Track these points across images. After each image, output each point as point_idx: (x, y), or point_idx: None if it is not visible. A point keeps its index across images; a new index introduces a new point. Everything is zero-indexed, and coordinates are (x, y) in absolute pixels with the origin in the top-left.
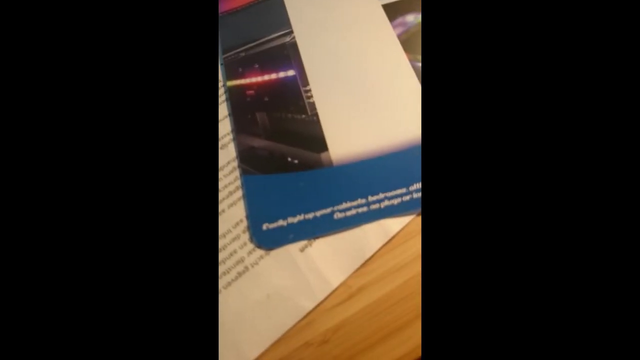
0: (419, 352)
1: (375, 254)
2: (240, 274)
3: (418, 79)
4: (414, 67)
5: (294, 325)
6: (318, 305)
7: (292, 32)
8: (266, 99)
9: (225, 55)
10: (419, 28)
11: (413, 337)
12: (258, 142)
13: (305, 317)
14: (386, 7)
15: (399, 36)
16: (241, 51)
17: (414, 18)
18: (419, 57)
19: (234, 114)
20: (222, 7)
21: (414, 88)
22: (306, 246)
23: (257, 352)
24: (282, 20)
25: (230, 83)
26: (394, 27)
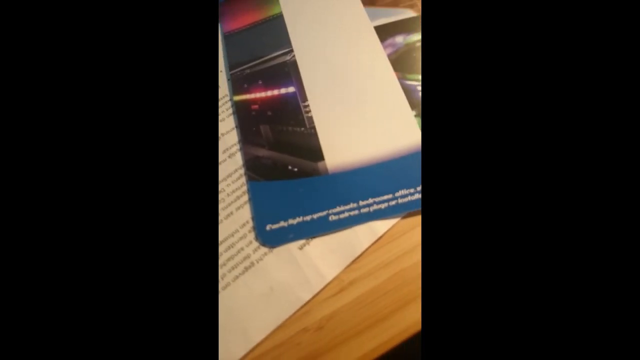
0: (402, 337)
1: (365, 251)
2: (246, 269)
3: (405, 95)
4: (402, 85)
5: (293, 314)
6: (314, 296)
7: (292, 51)
8: (269, 113)
9: (232, 72)
10: (407, 48)
11: (397, 324)
12: (262, 152)
13: (303, 306)
14: (377, 29)
15: (389, 56)
16: (246, 68)
17: (403, 39)
18: (407, 75)
19: (241, 126)
20: (229, 27)
21: (401, 104)
22: (304, 245)
23: (261, 337)
24: (284, 40)
25: (236, 98)
26: (385, 47)
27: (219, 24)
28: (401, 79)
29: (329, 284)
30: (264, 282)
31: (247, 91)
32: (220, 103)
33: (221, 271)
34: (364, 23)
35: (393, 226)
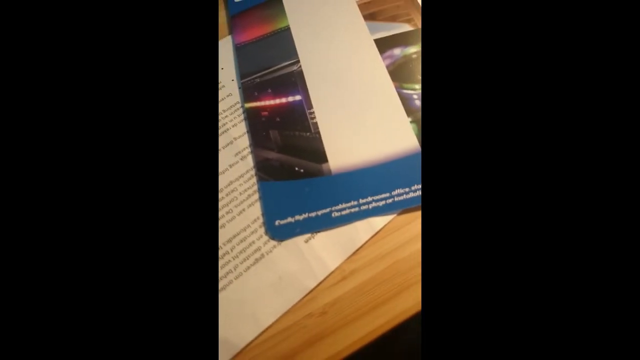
0: (397, 321)
1: (364, 244)
2: (257, 260)
3: (402, 103)
4: (399, 93)
5: (300, 300)
6: (319, 284)
7: (298, 61)
8: (278, 119)
9: (243, 81)
10: (404, 60)
11: (393, 309)
12: (271, 155)
13: (308, 293)
14: (377, 42)
15: (388, 66)
16: (256, 77)
17: (400, 51)
18: (404, 84)
19: (252, 131)
20: (240, 39)
21: (398, 111)
22: (310, 238)
23: (270, 321)
24: (291, 51)
25: (247, 105)
26: (384, 58)
27: (231, 36)
28: (398, 88)
29: (331, 273)
30: (273, 272)
31: (258, 99)
32: (232, 110)
33: (234, 262)
34: (365, 36)
35: (390, 222)
